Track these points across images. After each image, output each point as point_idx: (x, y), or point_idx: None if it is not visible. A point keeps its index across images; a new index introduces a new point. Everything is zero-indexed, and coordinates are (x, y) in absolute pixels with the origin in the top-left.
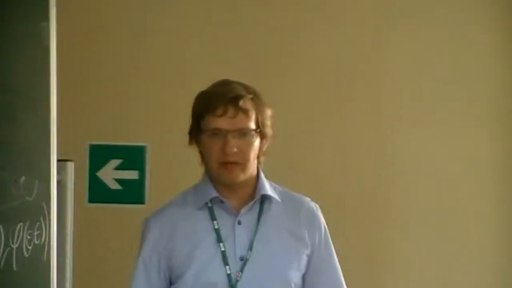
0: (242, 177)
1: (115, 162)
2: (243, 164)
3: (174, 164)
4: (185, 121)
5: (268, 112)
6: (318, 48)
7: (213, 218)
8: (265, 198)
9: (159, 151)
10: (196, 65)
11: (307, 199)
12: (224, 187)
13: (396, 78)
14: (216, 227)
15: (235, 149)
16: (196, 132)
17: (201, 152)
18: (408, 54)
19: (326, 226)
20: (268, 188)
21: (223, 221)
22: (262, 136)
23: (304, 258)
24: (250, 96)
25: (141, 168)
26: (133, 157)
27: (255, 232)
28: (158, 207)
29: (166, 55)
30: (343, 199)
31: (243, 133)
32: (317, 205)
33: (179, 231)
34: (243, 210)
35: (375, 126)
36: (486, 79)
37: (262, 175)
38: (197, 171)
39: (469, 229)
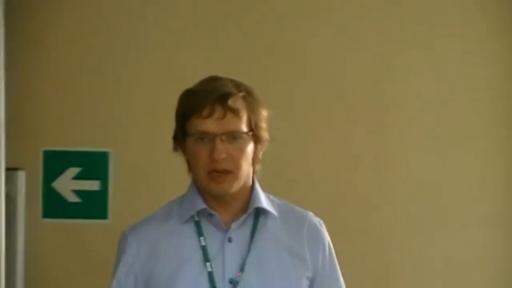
0: (233, 187)
1: (73, 171)
2: (234, 172)
3: (142, 173)
4: (156, 123)
5: (263, 113)
6: (318, 50)
7: (200, 233)
8: (260, 212)
9: (124, 158)
10: (169, 60)
11: (310, 214)
12: (214, 198)
13: (398, 83)
14: (203, 244)
15: (224, 155)
16: (181, 137)
17: (187, 160)
18: (413, 61)
19: (332, 245)
20: (263, 200)
21: (211, 237)
22: (256, 140)
23: (305, 282)
24: (241, 94)
25: (103, 178)
26: (94, 165)
27: (248, 250)
28: (127, 223)
29: (134, 48)
30: (340, 212)
31: (233, 136)
32: (321, 221)
33: (160, 248)
34: (234, 225)
35: (378, 133)
36: (492, 85)
37: (257, 185)
38: (171, 181)
39: (477, 244)
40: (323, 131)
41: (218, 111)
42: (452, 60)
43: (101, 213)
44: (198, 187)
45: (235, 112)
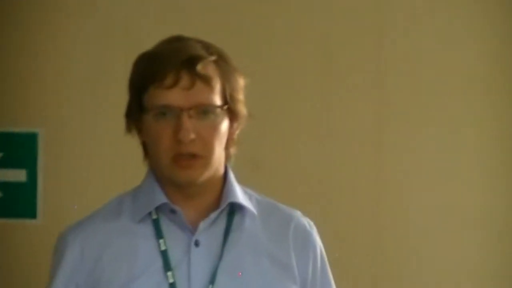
0: (203, 175)
1: None
2: (205, 157)
3: (81, 160)
4: (100, 95)
5: (240, 82)
6: (306, 23)
7: (159, 235)
8: (235, 209)
9: (58, 141)
10: (117, 19)
11: (297, 213)
12: (177, 191)
13: (394, 70)
14: (163, 248)
15: (193, 135)
16: (136, 113)
17: (143, 143)
18: (409, 52)
19: (324, 252)
20: (239, 194)
21: (174, 240)
22: (232, 116)
23: None
24: (213, 57)
25: (31, 166)
26: (18, 149)
27: (220, 256)
28: (63, 223)
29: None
30: (332, 211)
31: (204, 111)
32: (311, 222)
33: (109, 253)
34: (202, 225)
35: (372, 117)
36: (494, 80)
37: (231, 175)
38: (120, 170)
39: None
40: (313, 107)
41: (185, 79)
42: (455, 55)
43: (29, 210)
44: (158, 176)
45: (206, 80)
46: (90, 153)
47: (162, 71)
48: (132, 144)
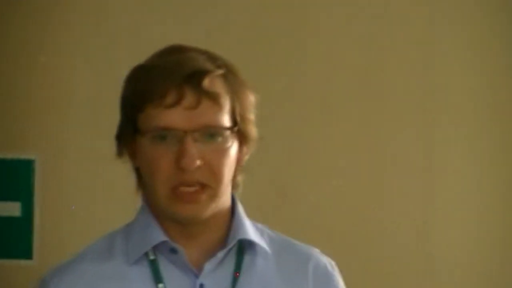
0: (209, 210)
1: None
2: (212, 187)
3: (83, 189)
4: (100, 117)
5: (251, 98)
6: (343, 45)
7: (157, 278)
8: (245, 247)
9: (56, 168)
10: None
11: (316, 251)
12: (178, 227)
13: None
14: None
15: (198, 162)
16: (130, 135)
17: (137, 169)
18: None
19: None
20: (249, 229)
21: (175, 284)
22: (242, 138)
23: None
24: (220, 71)
25: (26, 198)
26: (12, 178)
27: None
28: (62, 261)
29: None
30: (361, 247)
31: (211, 133)
32: (332, 262)
33: None
34: (208, 266)
35: (420, 141)
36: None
37: (239, 208)
38: (128, 200)
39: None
40: (351, 130)
41: (189, 97)
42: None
43: (24, 250)
44: (154, 210)
45: (214, 98)
46: (93, 182)
47: (162, 87)
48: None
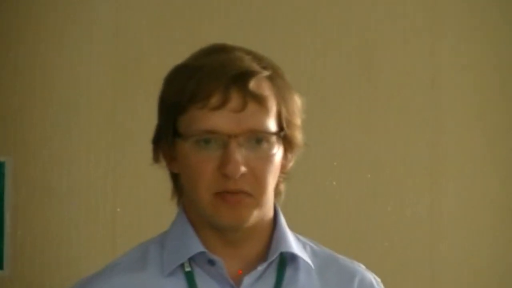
0: (252, 218)
1: None
2: (255, 196)
3: (59, 194)
4: (77, 115)
5: (298, 102)
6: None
7: None
8: (286, 260)
9: (29, 171)
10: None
11: (361, 267)
12: (217, 236)
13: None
14: None
15: (243, 169)
16: (169, 138)
17: (174, 176)
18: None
19: None
20: (292, 241)
21: None
22: (288, 144)
23: None
24: (267, 72)
25: None
26: None
27: None
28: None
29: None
30: (367, 256)
31: (257, 138)
32: (378, 278)
33: None
34: (248, 280)
35: (426, 145)
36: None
37: (281, 218)
38: (108, 206)
39: None
40: (353, 132)
41: (235, 99)
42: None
43: None
44: (192, 219)
45: (261, 101)
46: (69, 186)
47: (207, 88)
48: (124, 176)
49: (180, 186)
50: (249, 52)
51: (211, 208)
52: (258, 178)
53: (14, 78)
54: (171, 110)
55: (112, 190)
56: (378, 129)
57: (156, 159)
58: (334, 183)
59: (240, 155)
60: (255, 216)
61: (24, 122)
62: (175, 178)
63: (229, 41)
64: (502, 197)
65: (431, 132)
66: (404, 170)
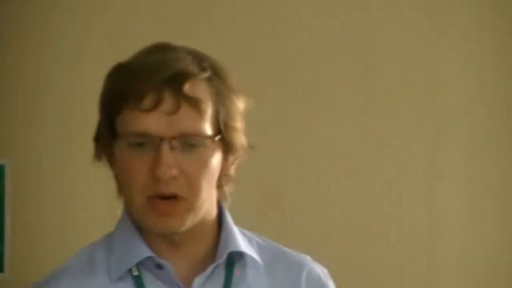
0: (186, 223)
1: None
2: (188, 199)
3: (58, 198)
4: (76, 119)
5: (239, 105)
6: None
7: None
8: (234, 258)
9: (29, 175)
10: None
11: (308, 260)
12: (162, 240)
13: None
14: None
15: (175, 171)
16: (108, 138)
17: (116, 176)
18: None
19: None
20: (240, 239)
21: None
22: (227, 148)
23: None
24: (205, 74)
25: None
26: None
27: None
28: (40, 277)
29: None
30: (361, 257)
31: (190, 142)
32: (325, 270)
33: None
34: (197, 281)
35: (423, 146)
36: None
37: (228, 218)
38: (106, 209)
39: None
40: (348, 134)
41: (168, 101)
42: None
43: None
44: (135, 220)
45: (195, 104)
46: (69, 190)
47: (140, 89)
48: None
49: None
50: (190, 52)
51: (142, 214)
52: (190, 182)
53: (14, 82)
54: (108, 109)
55: (112, 193)
56: (377, 130)
57: (97, 157)
58: (333, 183)
59: (171, 158)
60: (190, 221)
61: (24, 126)
62: (118, 178)
63: (228, 44)
64: (500, 198)
65: (430, 133)
66: (402, 171)
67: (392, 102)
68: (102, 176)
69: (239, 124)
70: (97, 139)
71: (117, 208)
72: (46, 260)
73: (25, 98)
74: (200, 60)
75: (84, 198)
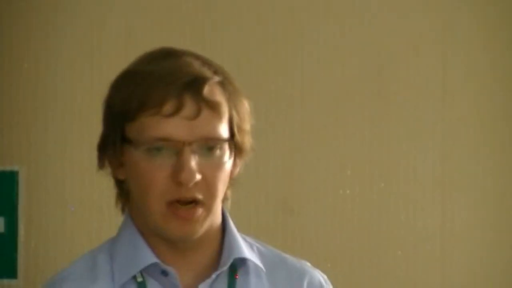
0: (203, 228)
1: None
2: (207, 204)
3: (72, 203)
4: (89, 125)
5: (247, 107)
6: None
7: None
8: (236, 265)
9: (42, 181)
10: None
11: (308, 266)
12: (167, 247)
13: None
14: None
15: (198, 176)
16: (116, 146)
17: (119, 182)
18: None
19: None
20: (243, 246)
21: None
22: (237, 151)
23: None
24: (218, 78)
25: (9, 213)
26: None
27: None
28: (44, 283)
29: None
30: (377, 266)
31: (209, 146)
32: (325, 276)
33: None
34: (202, 287)
35: (436, 152)
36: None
37: (230, 223)
38: (115, 213)
39: None
40: (363, 139)
41: (189, 106)
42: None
43: (8, 268)
44: (140, 225)
45: (215, 107)
46: (82, 196)
47: (160, 95)
48: None
49: (126, 193)
50: (197, 57)
51: (162, 220)
52: (210, 186)
53: (28, 87)
54: (119, 117)
55: None
56: (391, 139)
57: (101, 165)
58: (348, 192)
59: (194, 163)
60: (206, 225)
61: (38, 131)
62: (120, 184)
63: (239, 45)
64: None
65: (443, 142)
66: (416, 180)
67: (407, 111)
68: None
69: (248, 126)
70: (102, 147)
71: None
72: (59, 266)
73: (39, 103)
74: (209, 64)
75: (98, 204)
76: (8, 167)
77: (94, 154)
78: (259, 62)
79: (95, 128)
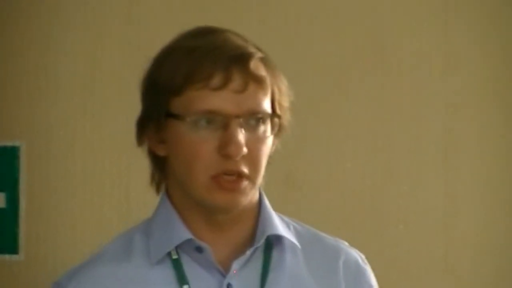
0: (246, 200)
1: None
2: (251, 177)
3: (74, 179)
4: (91, 99)
5: (286, 84)
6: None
7: (182, 280)
8: (272, 242)
9: (44, 155)
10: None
11: (345, 245)
12: (204, 222)
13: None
14: None
15: (245, 150)
16: (159, 120)
17: (157, 159)
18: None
19: None
20: (278, 223)
21: (201, 285)
22: (278, 127)
23: None
24: (260, 54)
25: (11, 188)
26: None
27: None
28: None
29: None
30: (380, 240)
31: (256, 119)
32: (363, 255)
33: None
34: (236, 265)
35: (440, 123)
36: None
37: (266, 201)
38: (123, 191)
39: None
40: (365, 112)
41: (236, 80)
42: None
43: (9, 244)
44: (177, 204)
45: (260, 82)
46: (84, 171)
47: (208, 68)
48: (137, 160)
49: (165, 170)
50: (238, 34)
51: (206, 192)
52: (255, 160)
53: (27, 61)
54: (164, 92)
55: (126, 173)
56: (393, 110)
57: (140, 141)
58: (349, 164)
59: (242, 136)
60: (250, 197)
61: (38, 106)
62: (158, 162)
63: (244, 26)
64: None
65: (446, 112)
66: (419, 153)
67: (410, 82)
68: (118, 158)
69: (287, 104)
70: (145, 122)
71: (132, 190)
72: (61, 242)
73: (40, 77)
74: (247, 41)
75: (100, 180)
76: (9, 142)
77: (96, 129)
78: (261, 33)
79: (97, 102)
